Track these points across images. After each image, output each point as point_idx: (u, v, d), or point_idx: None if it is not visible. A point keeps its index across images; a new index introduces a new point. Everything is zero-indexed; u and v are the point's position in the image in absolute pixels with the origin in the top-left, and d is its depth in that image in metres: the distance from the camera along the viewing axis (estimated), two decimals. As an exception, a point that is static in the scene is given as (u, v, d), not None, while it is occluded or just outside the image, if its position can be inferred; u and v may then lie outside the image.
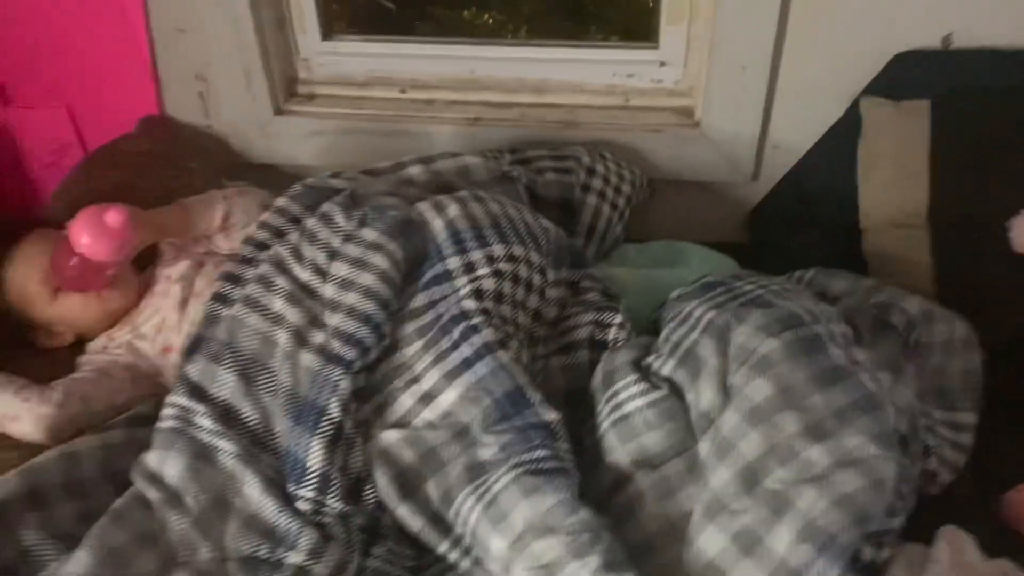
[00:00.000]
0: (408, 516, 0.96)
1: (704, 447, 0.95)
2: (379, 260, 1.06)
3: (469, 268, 1.06)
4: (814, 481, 0.87)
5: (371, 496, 0.98)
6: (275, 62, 1.56)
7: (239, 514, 0.95)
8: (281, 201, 1.19)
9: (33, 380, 1.11)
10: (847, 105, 1.39)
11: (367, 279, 1.04)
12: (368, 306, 1.02)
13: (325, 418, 0.96)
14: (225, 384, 1.00)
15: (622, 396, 1.00)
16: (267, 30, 1.52)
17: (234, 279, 1.11)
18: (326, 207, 1.14)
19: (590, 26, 1.85)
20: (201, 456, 0.97)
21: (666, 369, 1.01)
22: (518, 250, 1.08)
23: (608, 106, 1.54)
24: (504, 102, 1.56)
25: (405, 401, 1.01)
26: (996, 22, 1.31)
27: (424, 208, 1.14)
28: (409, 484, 0.97)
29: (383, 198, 1.18)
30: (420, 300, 1.06)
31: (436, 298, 1.06)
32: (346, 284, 1.05)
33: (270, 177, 1.53)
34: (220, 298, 1.09)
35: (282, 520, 0.94)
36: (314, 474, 0.94)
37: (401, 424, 1.01)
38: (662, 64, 1.51)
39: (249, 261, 1.12)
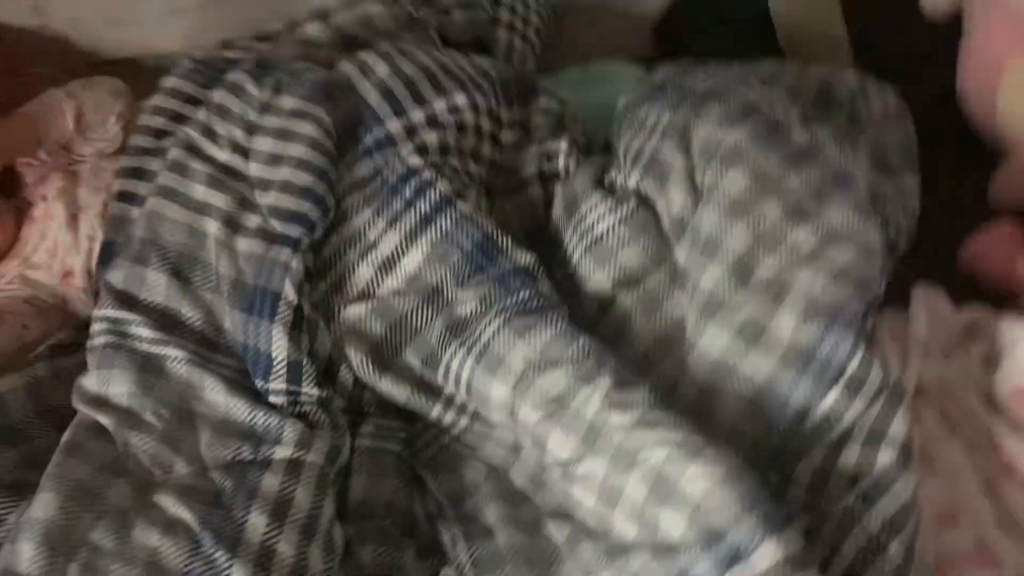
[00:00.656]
0: (392, 388, 0.90)
1: (682, 252, 0.93)
2: (306, 128, 0.96)
3: (411, 129, 0.99)
4: (806, 261, 0.86)
5: (348, 376, 0.92)
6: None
7: (208, 421, 0.86)
8: (170, 81, 1.06)
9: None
10: None
11: (296, 150, 0.95)
12: (304, 178, 0.93)
13: (281, 303, 0.88)
14: (157, 286, 0.91)
15: (591, 218, 0.95)
16: None
17: (137, 173, 0.99)
18: (232, 77, 1.03)
19: None
20: (148, 368, 0.87)
21: (631, 181, 0.97)
22: (460, 99, 1.01)
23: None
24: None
25: (364, 272, 0.94)
26: None
27: (348, 69, 1.04)
28: (386, 356, 0.91)
29: (295, 63, 1.07)
30: (364, 169, 0.98)
31: (381, 164, 0.98)
32: (274, 159, 0.95)
33: (131, 74, 1.35)
34: (126, 196, 0.98)
35: (258, 417, 0.86)
36: (281, 364, 0.87)
37: (364, 296, 0.93)
38: None
39: (149, 151, 1.01)
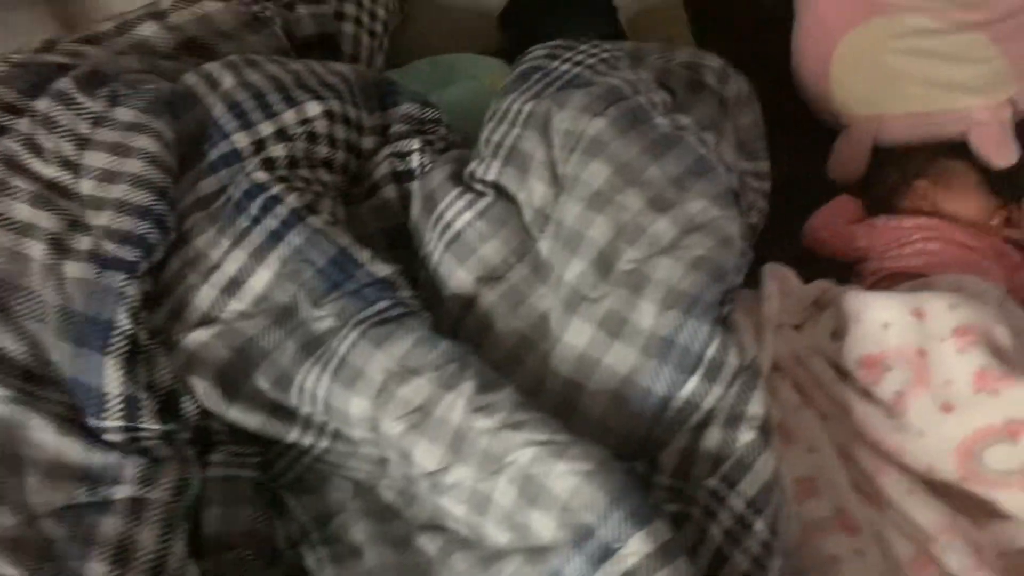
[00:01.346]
0: (242, 416, 0.85)
1: (545, 244, 0.91)
2: (145, 142, 0.90)
3: (259, 144, 0.94)
4: (666, 251, 0.86)
5: (192, 406, 0.85)
6: None
7: (36, 464, 0.78)
8: None
9: None
10: None
11: (134, 166, 0.88)
12: (142, 197, 0.87)
13: (115, 332, 0.81)
14: None
15: (449, 215, 0.92)
16: None
17: None
18: (60, 85, 0.94)
19: None
20: None
21: (491, 173, 0.95)
22: (311, 108, 0.97)
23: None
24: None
25: (207, 294, 0.88)
26: None
27: (193, 82, 0.98)
28: (234, 383, 0.85)
29: (133, 74, 0.99)
30: (209, 186, 0.92)
31: (223, 183, 0.92)
32: (108, 175, 0.88)
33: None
34: None
35: (94, 456, 0.79)
36: (116, 399, 0.80)
37: (207, 321, 0.87)
38: None
39: None
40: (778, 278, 1.00)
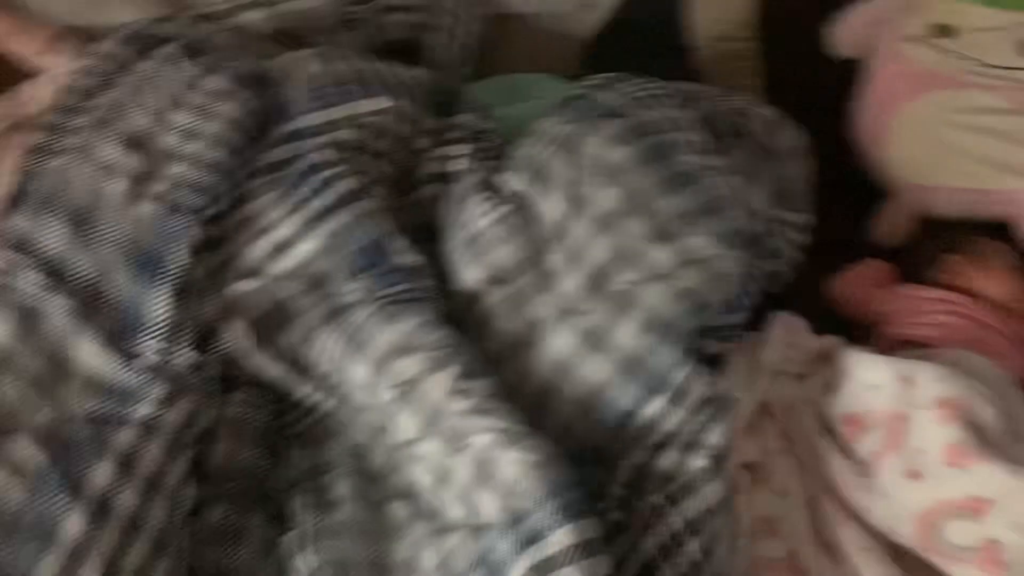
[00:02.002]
0: (266, 363, 0.94)
1: (554, 258, 0.97)
2: (228, 108, 1.01)
3: (332, 123, 1.03)
4: (660, 279, 0.91)
5: (225, 346, 0.95)
6: None
7: (78, 373, 0.90)
8: (105, 46, 1.09)
9: None
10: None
11: (214, 127, 0.99)
12: (216, 154, 0.98)
13: (174, 265, 0.92)
14: (54, 236, 0.94)
15: (471, 216, 1.00)
16: None
17: (58, 129, 1.03)
18: (167, 50, 1.07)
19: None
20: (30, 314, 0.90)
21: (518, 185, 1.01)
22: (385, 103, 1.06)
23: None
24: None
25: (259, 250, 0.98)
26: None
27: (282, 63, 1.09)
28: (265, 332, 0.95)
29: (230, 49, 1.11)
30: (278, 155, 1.02)
31: (293, 153, 1.02)
32: (190, 133, 0.99)
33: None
34: (43, 150, 1.01)
35: (128, 375, 0.89)
36: (164, 322, 0.91)
37: (254, 274, 0.97)
38: None
39: (74, 110, 1.04)
40: (786, 326, 1.03)
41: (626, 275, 0.92)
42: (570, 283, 0.93)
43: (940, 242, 1.14)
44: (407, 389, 0.87)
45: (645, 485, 0.84)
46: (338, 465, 0.93)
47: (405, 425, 0.87)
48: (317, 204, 0.98)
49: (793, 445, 0.96)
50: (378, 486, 0.91)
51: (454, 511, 0.83)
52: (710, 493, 0.82)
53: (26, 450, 0.82)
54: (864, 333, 1.10)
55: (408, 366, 0.87)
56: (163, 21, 1.16)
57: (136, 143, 1.00)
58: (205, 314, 0.95)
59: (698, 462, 0.83)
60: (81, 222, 0.95)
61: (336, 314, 0.94)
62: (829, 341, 1.03)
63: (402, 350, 0.88)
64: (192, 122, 1.00)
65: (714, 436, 0.84)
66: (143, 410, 0.88)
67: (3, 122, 1.13)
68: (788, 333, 1.03)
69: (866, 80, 1.27)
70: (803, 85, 1.32)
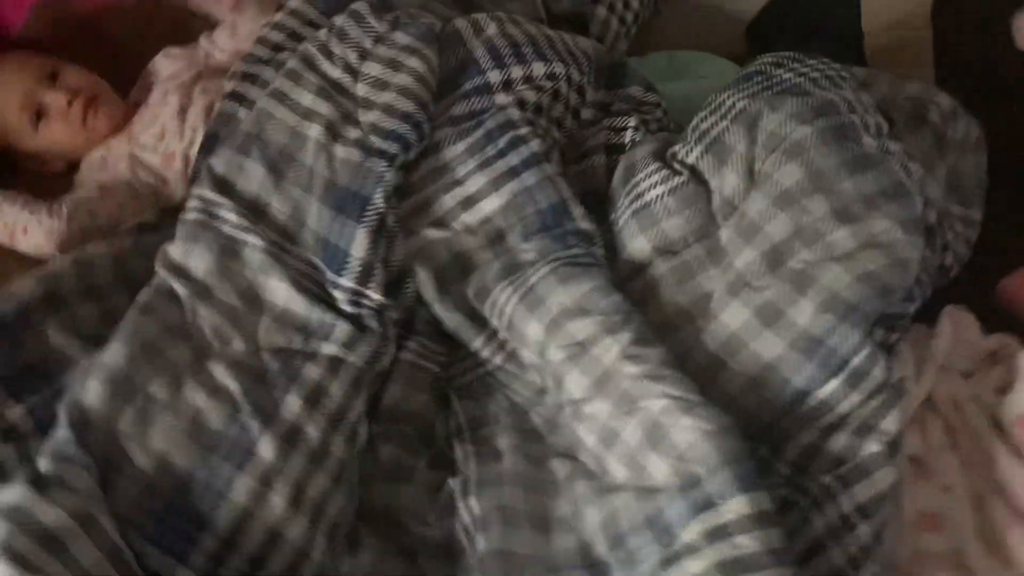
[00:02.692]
0: (445, 313, 0.98)
1: (726, 233, 0.97)
2: (415, 63, 1.04)
3: (508, 83, 1.05)
4: (838, 260, 0.90)
5: (409, 291, 0.99)
6: None
7: (270, 308, 0.95)
8: (295, 2, 1.15)
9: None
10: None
11: (403, 79, 1.03)
12: (406, 104, 1.01)
13: (370, 207, 0.96)
14: (252, 176, 0.99)
15: (642, 185, 1.01)
16: None
17: (251, 78, 1.09)
18: (355, 7, 1.11)
19: None
20: (228, 250, 0.96)
21: (691, 157, 1.01)
22: (558, 68, 1.07)
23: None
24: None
25: (446, 202, 1.02)
26: None
27: (461, 25, 1.11)
28: (446, 282, 0.99)
29: (414, 9, 1.15)
30: (460, 109, 1.06)
31: (476, 108, 1.05)
32: (380, 84, 1.03)
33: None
34: (237, 96, 1.07)
35: (315, 314, 0.94)
36: (357, 262, 0.95)
37: (440, 224, 1.02)
38: None
39: (265, 61, 1.10)
40: (956, 321, 1.01)
41: (803, 254, 0.91)
42: (743, 259, 0.93)
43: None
44: (579, 350, 0.89)
45: (813, 465, 0.84)
46: (497, 421, 0.96)
47: (574, 383, 0.89)
48: (503, 164, 1.01)
49: (957, 442, 0.94)
50: (536, 445, 0.94)
51: (618, 472, 0.85)
52: (883, 478, 0.81)
53: (224, 377, 0.88)
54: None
55: (581, 328, 0.90)
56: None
57: (328, 92, 1.04)
58: (394, 258, 0.99)
59: (872, 447, 0.83)
60: (278, 164, 0.99)
61: (511, 271, 0.97)
62: (1002, 340, 1.00)
63: (576, 312, 0.91)
64: (383, 73, 1.04)
65: (889, 422, 0.84)
66: (327, 349, 0.93)
67: (188, 71, 1.20)
68: (958, 328, 1.00)
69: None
70: (979, 77, 1.28)
